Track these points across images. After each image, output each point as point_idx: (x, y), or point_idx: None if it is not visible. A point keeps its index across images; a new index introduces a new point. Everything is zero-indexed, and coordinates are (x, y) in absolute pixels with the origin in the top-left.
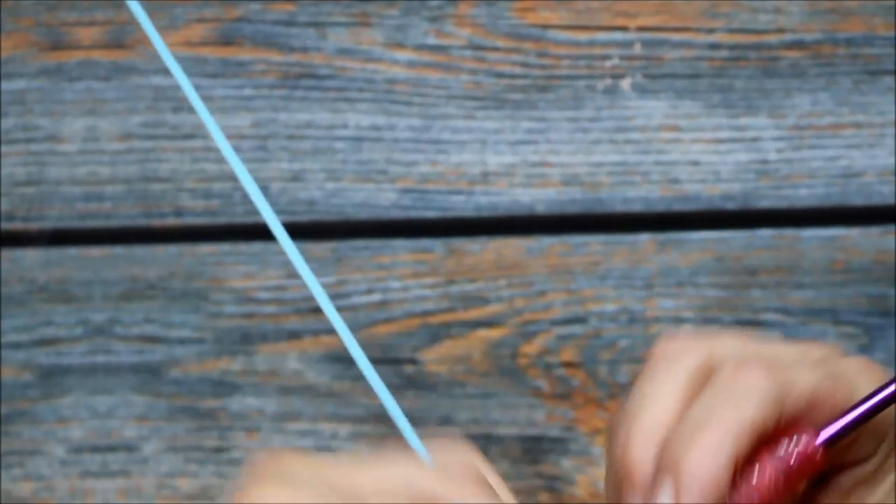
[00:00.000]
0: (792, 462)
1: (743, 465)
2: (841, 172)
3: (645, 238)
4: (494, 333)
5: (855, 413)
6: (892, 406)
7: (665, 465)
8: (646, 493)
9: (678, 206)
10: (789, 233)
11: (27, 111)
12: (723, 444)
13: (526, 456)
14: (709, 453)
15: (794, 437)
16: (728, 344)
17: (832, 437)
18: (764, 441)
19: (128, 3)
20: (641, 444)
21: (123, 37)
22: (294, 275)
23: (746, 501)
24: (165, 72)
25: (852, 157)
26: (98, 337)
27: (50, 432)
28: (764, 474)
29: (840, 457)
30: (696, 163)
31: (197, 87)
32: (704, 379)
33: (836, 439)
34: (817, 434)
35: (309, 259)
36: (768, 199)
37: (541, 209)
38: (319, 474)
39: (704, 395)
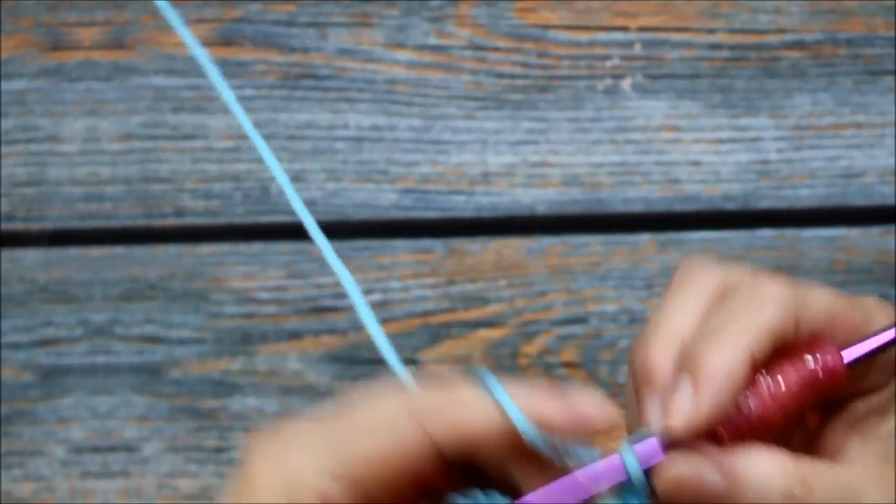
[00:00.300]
0: (820, 375)
1: (764, 372)
2: (841, 173)
3: (645, 238)
4: (495, 334)
5: (880, 337)
6: None
7: (684, 364)
8: (664, 392)
9: (679, 207)
10: (790, 233)
11: (27, 111)
12: (740, 343)
13: None
14: (727, 352)
15: (819, 353)
16: (746, 270)
17: (857, 358)
18: (784, 354)
19: (156, 2)
20: (661, 349)
21: (124, 37)
22: (294, 275)
23: (767, 407)
24: (166, 72)
25: (853, 157)
26: (98, 337)
27: (50, 433)
28: (788, 382)
29: (853, 384)
30: (696, 163)
31: (197, 88)
32: (723, 296)
33: (860, 361)
34: (840, 352)
35: (309, 259)
36: (769, 200)
37: (541, 209)
38: (317, 431)
39: (724, 304)
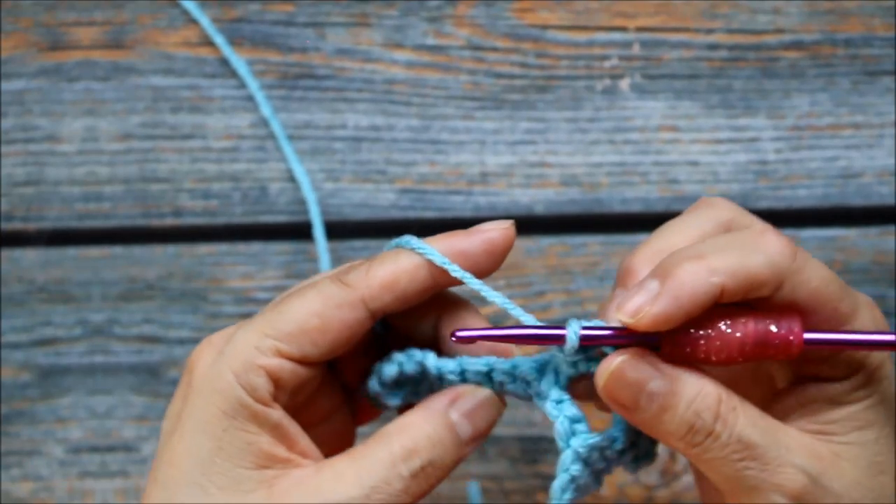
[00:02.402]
0: (775, 337)
1: (727, 319)
2: (840, 173)
3: (644, 238)
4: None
5: (846, 336)
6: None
7: (659, 267)
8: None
9: (677, 207)
10: (788, 233)
11: (26, 111)
12: (717, 273)
13: (524, 456)
14: (700, 274)
15: (786, 320)
16: (755, 220)
17: (814, 340)
18: (758, 305)
19: (181, 2)
20: (644, 257)
21: (122, 37)
22: (292, 275)
23: (713, 343)
24: (164, 72)
25: (851, 157)
26: (97, 337)
27: (49, 432)
28: (743, 329)
29: (815, 367)
30: (694, 163)
31: (196, 88)
32: (725, 231)
33: (816, 344)
34: (803, 330)
35: (308, 259)
36: (767, 200)
37: (539, 209)
38: (254, 319)
39: (721, 237)
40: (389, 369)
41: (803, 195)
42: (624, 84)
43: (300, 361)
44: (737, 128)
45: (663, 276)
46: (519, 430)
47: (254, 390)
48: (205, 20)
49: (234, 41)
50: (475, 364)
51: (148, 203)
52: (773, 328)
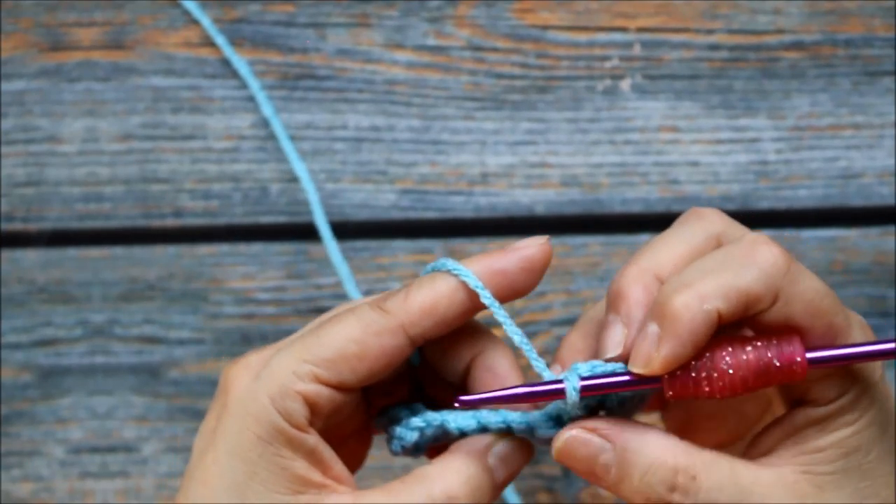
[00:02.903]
0: (778, 366)
1: (728, 348)
2: (840, 173)
3: (644, 239)
4: (486, 327)
5: (851, 350)
6: (868, 363)
7: (654, 309)
8: (631, 309)
9: (677, 207)
10: (789, 234)
11: (27, 112)
12: (711, 300)
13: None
14: (694, 305)
15: (786, 340)
16: (745, 231)
17: (820, 359)
18: (757, 328)
19: (182, 2)
20: (634, 278)
21: (123, 38)
22: (293, 275)
23: (718, 381)
24: (165, 72)
25: (851, 158)
26: (97, 337)
27: (49, 433)
28: (744, 364)
29: (801, 392)
30: (695, 164)
31: (197, 88)
32: (716, 245)
33: (822, 363)
34: (805, 350)
35: (309, 260)
36: (767, 200)
37: (540, 210)
38: (292, 342)
39: (712, 253)
40: (410, 436)
41: (804, 195)
42: (624, 84)
43: (337, 388)
44: (737, 128)
45: (660, 317)
46: None
47: (290, 416)
48: (206, 20)
49: (234, 42)
50: (493, 421)
51: (148, 203)
52: (775, 358)
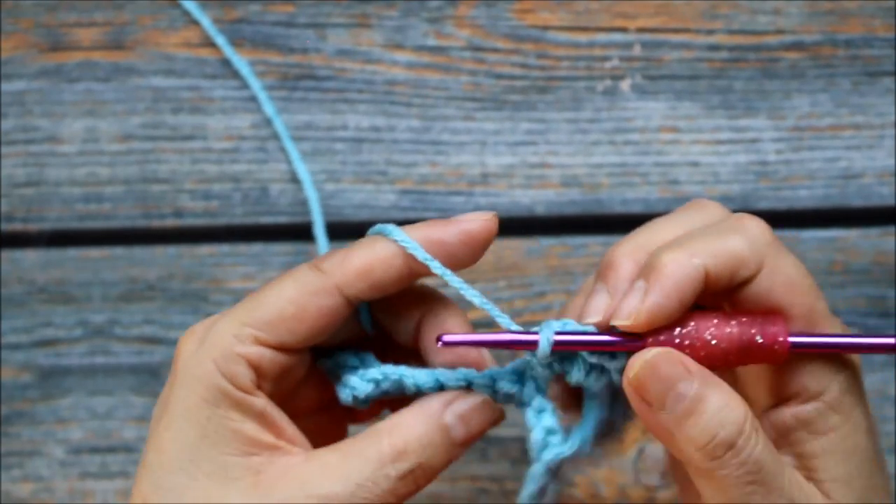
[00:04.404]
0: (759, 337)
1: (714, 320)
2: (840, 174)
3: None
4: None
5: (838, 339)
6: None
7: (646, 266)
8: (619, 281)
9: (677, 208)
10: (789, 234)
11: (27, 112)
12: (698, 256)
13: (525, 457)
14: (683, 259)
15: (770, 320)
16: (745, 222)
17: (800, 343)
18: (742, 305)
19: (182, 2)
20: (626, 251)
21: (123, 38)
22: None
23: (700, 350)
24: (165, 73)
25: (851, 158)
26: (97, 338)
27: (49, 433)
28: (727, 335)
29: (786, 386)
30: (695, 164)
31: (197, 89)
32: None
33: (802, 347)
34: (787, 330)
35: (308, 260)
36: (767, 201)
37: (540, 210)
38: (234, 308)
39: (706, 227)
40: (363, 387)
41: (804, 196)
42: (624, 85)
43: (279, 349)
44: (737, 128)
45: (647, 273)
46: (519, 431)
47: (234, 378)
48: (206, 21)
49: (234, 42)
50: (453, 378)
51: (148, 204)
52: (758, 335)
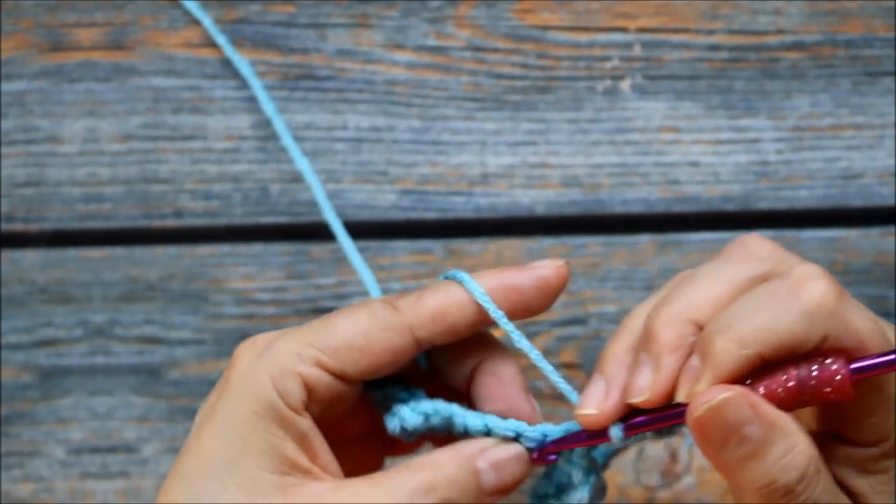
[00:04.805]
0: (814, 379)
1: (770, 368)
2: (840, 174)
3: (645, 239)
4: (494, 335)
5: (889, 357)
6: None
7: (700, 345)
8: (661, 352)
9: (678, 208)
10: (789, 234)
11: (27, 112)
12: (748, 343)
13: None
14: (733, 349)
15: (825, 359)
16: (797, 260)
17: (859, 368)
18: (801, 354)
19: (183, 2)
20: (669, 317)
21: (123, 38)
22: (293, 276)
23: (759, 394)
24: (165, 73)
25: (852, 158)
26: (98, 338)
27: (50, 433)
28: (784, 384)
29: (850, 428)
30: (695, 164)
31: (197, 89)
32: (763, 279)
33: (863, 371)
34: (847, 364)
35: (309, 260)
36: (768, 201)
37: (540, 210)
38: (300, 328)
39: (757, 290)
40: (413, 419)
41: (804, 196)
42: (625, 85)
43: (338, 376)
44: (738, 128)
45: (702, 354)
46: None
47: (286, 395)
48: (207, 20)
49: (235, 42)
50: (502, 427)
51: (149, 204)
52: (815, 372)
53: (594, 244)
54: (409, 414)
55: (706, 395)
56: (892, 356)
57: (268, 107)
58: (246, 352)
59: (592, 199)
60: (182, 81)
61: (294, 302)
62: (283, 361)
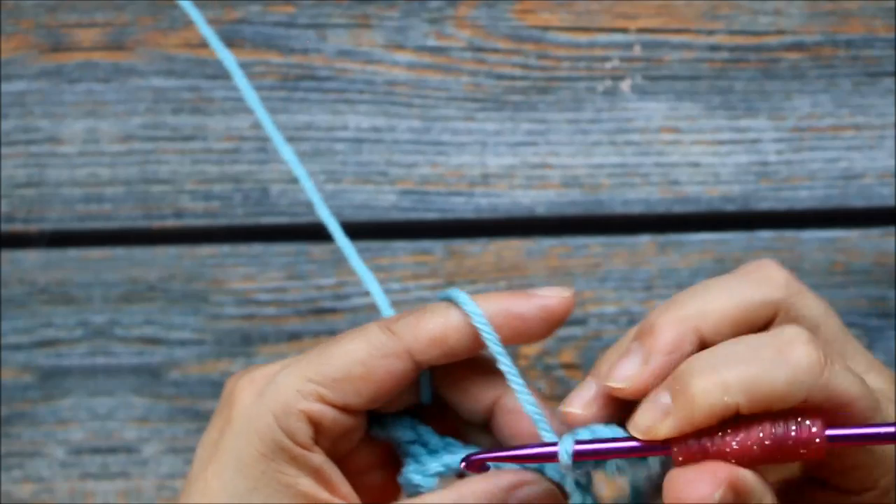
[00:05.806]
0: (791, 440)
1: (742, 421)
2: (841, 174)
3: (645, 240)
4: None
5: (869, 430)
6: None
7: (675, 381)
8: (655, 349)
9: (678, 208)
10: (789, 234)
11: (27, 113)
12: (731, 391)
13: None
14: (715, 391)
15: (804, 420)
16: (812, 305)
17: (836, 437)
18: (779, 409)
19: (179, 2)
20: (674, 316)
21: (123, 38)
22: (294, 276)
23: (731, 448)
24: (165, 73)
25: (852, 158)
26: (98, 338)
27: (50, 434)
28: (759, 440)
29: (835, 476)
30: (695, 164)
31: (197, 89)
32: (769, 314)
33: (839, 440)
34: (824, 427)
35: (310, 261)
36: (768, 201)
37: (541, 211)
38: (299, 359)
39: (749, 338)
40: (428, 483)
41: (804, 196)
42: (625, 85)
43: (342, 409)
44: (738, 129)
45: (675, 391)
46: None
47: (293, 434)
48: (200, 20)
49: (234, 42)
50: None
51: (149, 204)
52: (793, 432)
53: (594, 244)
54: (423, 479)
55: (705, 486)
56: (869, 429)
57: (257, 106)
58: (244, 389)
59: (593, 200)
60: (182, 82)
61: (294, 302)
62: (285, 399)
